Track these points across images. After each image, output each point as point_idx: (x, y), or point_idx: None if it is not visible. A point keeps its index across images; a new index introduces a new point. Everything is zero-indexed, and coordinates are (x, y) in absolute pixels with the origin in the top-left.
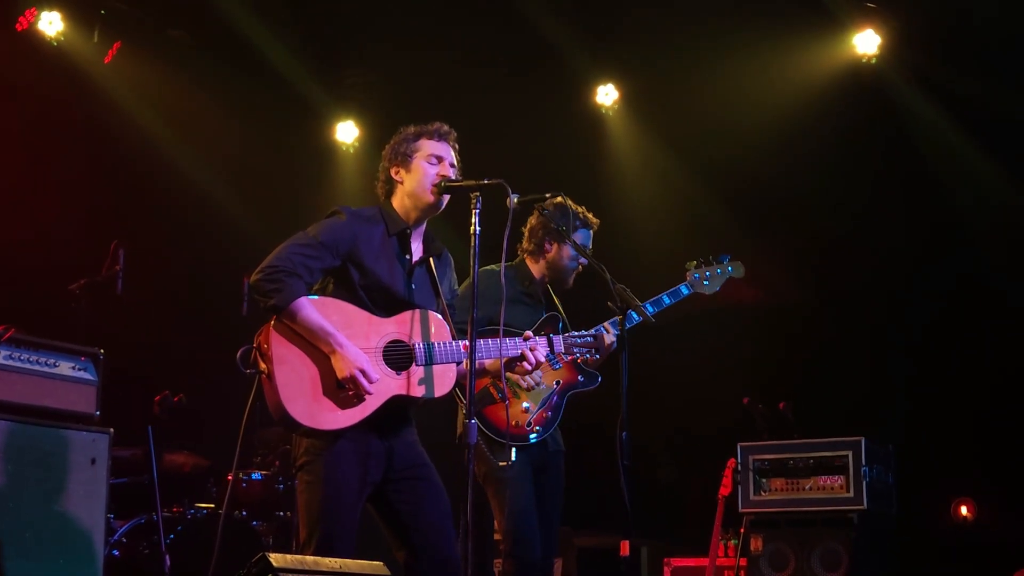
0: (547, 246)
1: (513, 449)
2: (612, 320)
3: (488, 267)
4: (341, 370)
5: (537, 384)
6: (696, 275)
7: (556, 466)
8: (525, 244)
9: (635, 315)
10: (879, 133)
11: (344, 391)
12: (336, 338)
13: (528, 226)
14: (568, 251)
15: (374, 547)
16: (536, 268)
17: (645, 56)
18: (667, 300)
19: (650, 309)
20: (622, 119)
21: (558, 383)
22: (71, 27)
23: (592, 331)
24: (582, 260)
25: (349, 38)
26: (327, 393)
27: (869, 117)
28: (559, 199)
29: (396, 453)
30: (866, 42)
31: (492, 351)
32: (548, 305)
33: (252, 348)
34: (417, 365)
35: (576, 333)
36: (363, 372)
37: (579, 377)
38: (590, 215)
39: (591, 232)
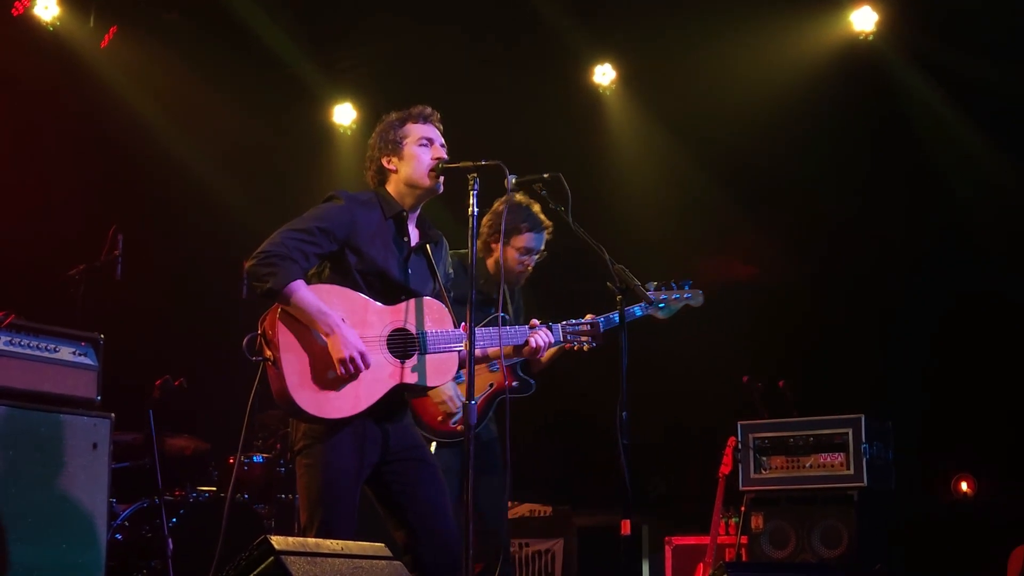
0: (492, 245)
1: (434, 444)
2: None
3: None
4: (338, 351)
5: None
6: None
7: (491, 451)
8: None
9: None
10: (876, 110)
11: (347, 379)
12: (332, 319)
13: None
14: (512, 253)
15: (375, 528)
16: (490, 263)
17: (642, 35)
18: (615, 319)
19: (603, 324)
20: (619, 99)
21: (491, 386)
22: (67, 12)
23: (588, 319)
24: (529, 262)
25: (346, 19)
26: (332, 381)
27: (866, 94)
28: (533, 199)
29: (392, 436)
30: (863, 19)
31: (495, 339)
32: (503, 304)
33: (258, 335)
34: (420, 353)
35: (573, 321)
36: (361, 354)
37: (513, 383)
38: (543, 216)
39: (543, 236)
